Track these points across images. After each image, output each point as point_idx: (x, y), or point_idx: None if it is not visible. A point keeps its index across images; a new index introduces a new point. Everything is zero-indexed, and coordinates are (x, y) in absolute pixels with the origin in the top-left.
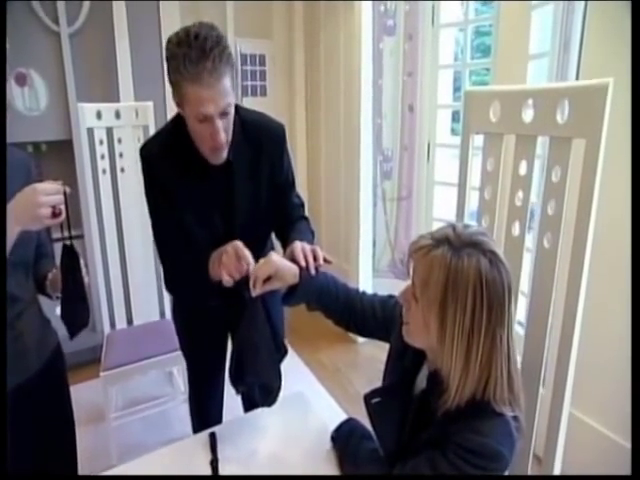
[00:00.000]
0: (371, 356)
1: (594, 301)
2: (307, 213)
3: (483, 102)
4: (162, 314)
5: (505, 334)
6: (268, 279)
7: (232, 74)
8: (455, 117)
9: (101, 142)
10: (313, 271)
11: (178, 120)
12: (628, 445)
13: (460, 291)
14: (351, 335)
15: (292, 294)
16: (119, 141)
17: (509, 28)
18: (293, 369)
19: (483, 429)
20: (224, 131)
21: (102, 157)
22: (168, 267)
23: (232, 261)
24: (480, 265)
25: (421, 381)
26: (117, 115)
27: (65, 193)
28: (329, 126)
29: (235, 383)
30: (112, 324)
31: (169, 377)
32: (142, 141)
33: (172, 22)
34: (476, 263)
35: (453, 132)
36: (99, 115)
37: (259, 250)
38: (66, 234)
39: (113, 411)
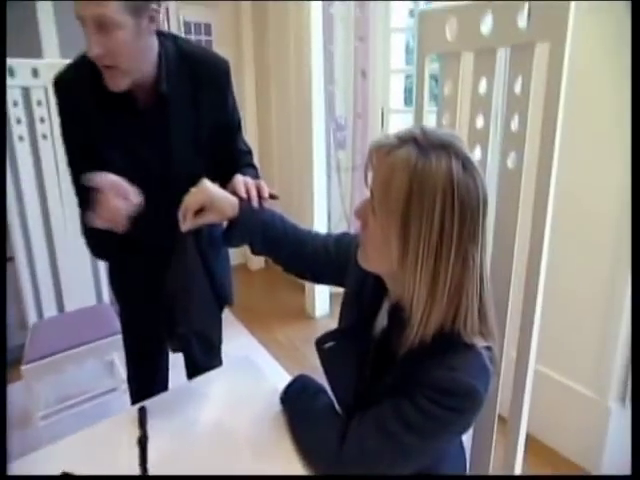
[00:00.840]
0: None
1: (563, 233)
2: None
3: (438, 21)
4: (99, 297)
5: (478, 253)
6: (201, 211)
7: None
8: (408, 85)
9: (15, 104)
10: (256, 204)
11: None
12: (594, 396)
13: (426, 199)
14: (308, 311)
15: (232, 231)
16: (38, 103)
17: None
18: (245, 349)
19: (452, 364)
20: (100, 46)
21: (18, 121)
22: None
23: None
24: (452, 169)
25: (381, 322)
26: (35, 73)
27: None
28: (279, 96)
29: (168, 336)
30: (40, 314)
31: (110, 367)
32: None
33: None
34: (446, 166)
35: (407, 97)
36: (11, 72)
37: None
38: None
39: (41, 409)
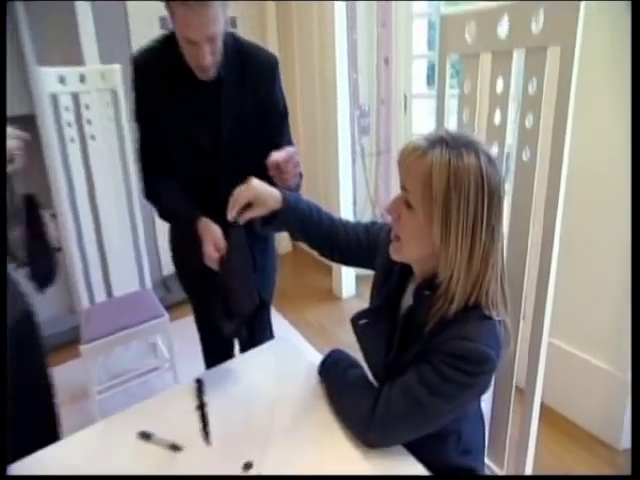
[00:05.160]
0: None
1: (575, 221)
2: None
3: (459, 24)
4: (142, 283)
5: (500, 227)
6: (249, 206)
7: (223, 3)
8: (431, 69)
9: (67, 109)
10: (295, 179)
11: (172, 34)
12: (614, 370)
13: (463, 189)
14: (335, 292)
15: (275, 221)
16: (87, 107)
17: None
18: (276, 328)
19: (469, 333)
20: (210, 54)
21: (69, 125)
22: (147, 179)
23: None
24: (480, 163)
25: (407, 301)
26: (82, 79)
27: (24, 140)
28: (305, 85)
29: (223, 321)
30: (91, 300)
31: (153, 349)
32: (111, 106)
33: None
34: (475, 159)
35: (429, 82)
36: (62, 80)
37: (244, 175)
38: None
39: (96, 385)
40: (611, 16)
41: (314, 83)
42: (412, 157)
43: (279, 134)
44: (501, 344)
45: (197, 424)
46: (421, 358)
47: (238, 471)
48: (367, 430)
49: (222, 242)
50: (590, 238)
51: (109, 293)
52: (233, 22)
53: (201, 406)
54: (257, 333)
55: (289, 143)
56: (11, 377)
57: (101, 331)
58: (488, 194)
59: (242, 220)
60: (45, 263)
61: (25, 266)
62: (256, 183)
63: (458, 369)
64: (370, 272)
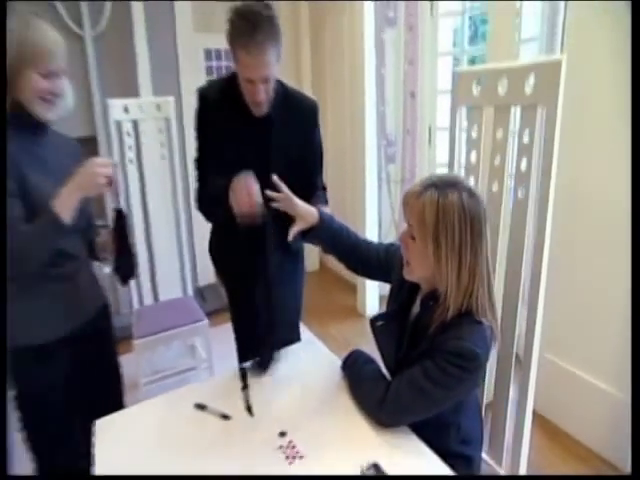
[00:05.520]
0: None
1: (563, 248)
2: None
3: (468, 80)
4: (184, 291)
5: (484, 247)
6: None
7: (278, 49)
8: None
9: (128, 134)
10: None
11: (234, 74)
12: (616, 392)
13: (449, 222)
14: (359, 310)
15: (311, 235)
16: (144, 133)
17: (500, 18)
18: (304, 341)
19: (463, 334)
20: (264, 92)
21: (129, 148)
22: (199, 188)
23: (241, 194)
24: (462, 197)
25: (415, 309)
26: (141, 109)
27: (114, 166)
28: (335, 116)
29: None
30: (140, 302)
31: (191, 350)
32: (164, 133)
33: (185, 22)
34: (458, 196)
35: None
36: (126, 109)
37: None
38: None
39: (143, 377)
40: (615, 16)
41: (344, 114)
42: (411, 199)
43: (314, 172)
44: (489, 345)
45: (241, 401)
46: (425, 355)
47: (275, 436)
48: (379, 412)
49: (257, 195)
50: (592, 262)
51: (155, 298)
52: None
53: (245, 387)
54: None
55: (321, 181)
56: (91, 360)
57: (151, 329)
58: (470, 222)
59: (291, 234)
60: (128, 262)
61: (107, 264)
62: (298, 202)
63: (454, 364)
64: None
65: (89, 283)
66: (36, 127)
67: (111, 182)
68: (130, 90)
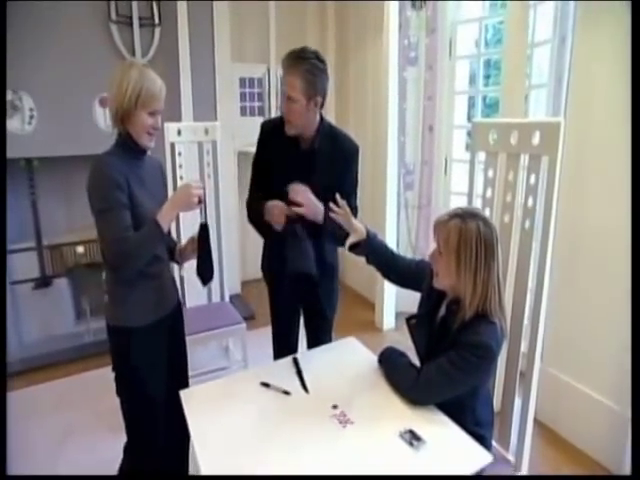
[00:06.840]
0: (397, 342)
1: (564, 274)
2: None
3: (484, 130)
4: (222, 297)
5: (495, 265)
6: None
7: (308, 81)
8: (469, 135)
9: (179, 154)
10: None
11: None
12: (616, 406)
13: (468, 245)
14: (377, 325)
15: (359, 247)
16: (193, 154)
17: (513, 63)
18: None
19: (479, 330)
20: (287, 110)
21: (180, 166)
22: (251, 205)
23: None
24: (479, 226)
25: (441, 312)
26: (194, 132)
27: (204, 188)
28: (359, 143)
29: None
30: (184, 304)
31: (225, 352)
32: (211, 154)
33: (224, 54)
34: (476, 225)
35: (467, 148)
36: (179, 132)
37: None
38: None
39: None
40: (615, 15)
41: (366, 143)
42: (440, 225)
43: (350, 195)
44: (500, 340)
45: (297, 382)
46: (449, 348)
47: (329, 408)
48: (413, 392)
49: (284, 210)
50: (592, 284)
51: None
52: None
53: (299, 371)
54: (320, 337)
55: (354, 202)
56: (169, 347)
57: (196, 328)
58: (485, 245)
59: (347, 245)
60: (208, 268)
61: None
62: (353, 218)
63: (473, 354)
64: (406, 309)
65: (170, 282)
66: (139, 153)
67: (201, 200)
68: (174, 115)
